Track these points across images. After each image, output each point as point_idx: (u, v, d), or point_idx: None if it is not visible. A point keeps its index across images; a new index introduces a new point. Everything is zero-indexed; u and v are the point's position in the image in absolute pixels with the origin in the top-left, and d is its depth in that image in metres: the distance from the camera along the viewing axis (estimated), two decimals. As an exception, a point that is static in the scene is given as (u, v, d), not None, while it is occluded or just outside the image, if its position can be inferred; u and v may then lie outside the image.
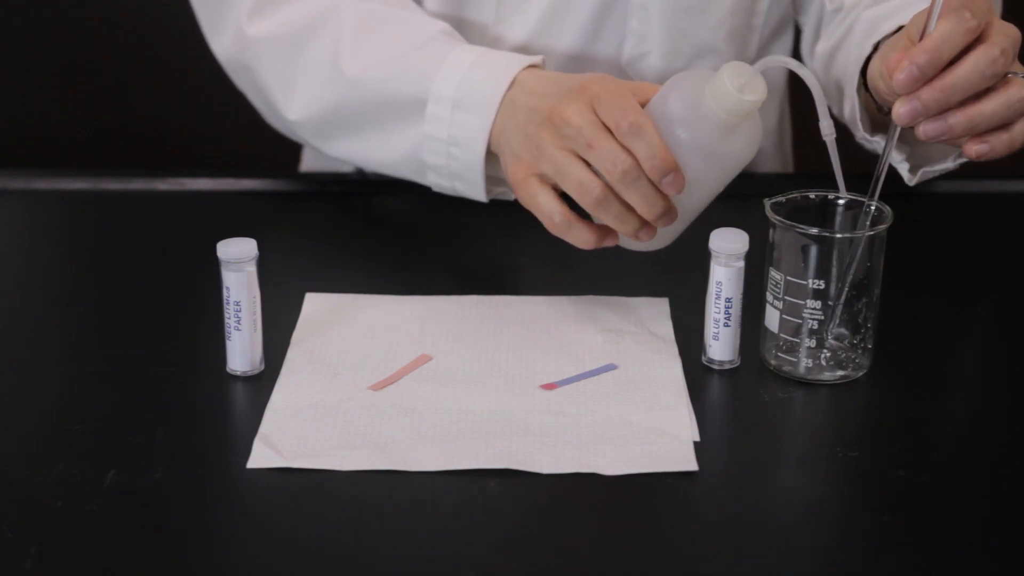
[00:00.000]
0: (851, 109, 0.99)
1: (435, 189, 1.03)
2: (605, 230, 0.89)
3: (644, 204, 0.85)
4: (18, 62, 1.95)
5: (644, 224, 0.87)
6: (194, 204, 1.14)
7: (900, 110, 0.83)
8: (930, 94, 0.82)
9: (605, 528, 0.74)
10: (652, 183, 0.84)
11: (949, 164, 0.97)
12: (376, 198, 1.14)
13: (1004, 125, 0.86)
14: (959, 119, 0.84)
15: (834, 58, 1.07)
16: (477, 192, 0.99)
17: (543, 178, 0.89)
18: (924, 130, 0.84)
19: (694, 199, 0.87)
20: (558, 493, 0.76)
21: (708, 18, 1.11)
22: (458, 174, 0.99)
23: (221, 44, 1.09)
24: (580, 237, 0.88)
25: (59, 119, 1.99)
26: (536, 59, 0.97)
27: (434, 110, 0.97)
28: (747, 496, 0.76)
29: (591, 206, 0.86)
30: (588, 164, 0.86)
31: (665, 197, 0.85)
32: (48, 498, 0.75)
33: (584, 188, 0.86)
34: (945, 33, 0.81)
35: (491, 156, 0.97)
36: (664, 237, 0.91)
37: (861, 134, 1.00)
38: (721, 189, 0.88)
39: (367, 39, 1.01)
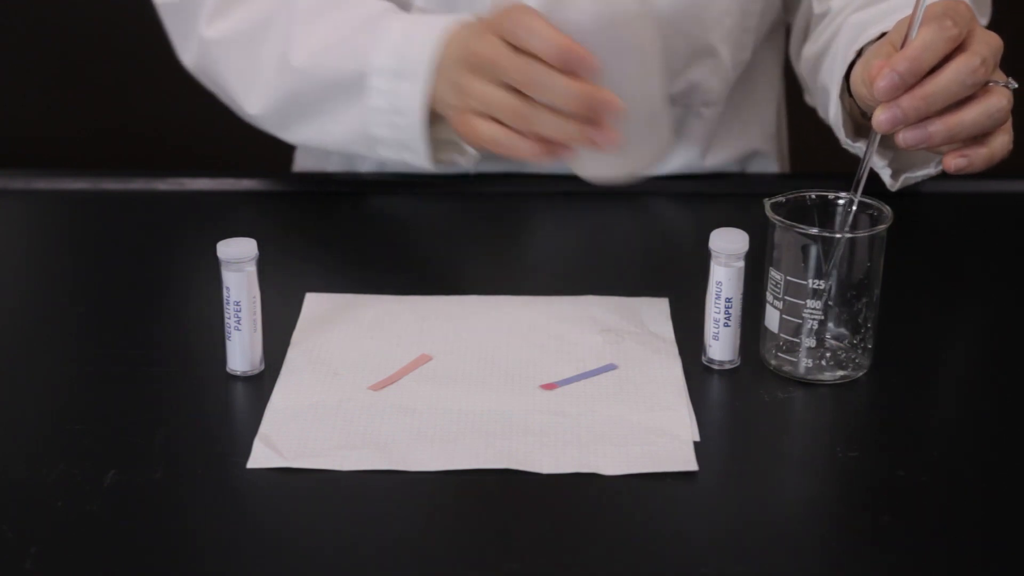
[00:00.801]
0: (835, 114, 0.99)
1: (390, 163, 1.06)
2: (552, 142, 0.90)
3: (572, 101, 0.86)
4: (18, 62, 1.95)
5: (593, 127, 0.87)
6: (194, 204, 1.14)
7: (880, 117, 0.83)
8: (910, 102, 0.82)
9: (605, 528, 0.74)
10: (566, 77, 0.86)
11: (931, 170, 0.96)
12: (376, 198, 1.14)
13: (983, 136, 0.86)
14: (939, 127, 0.84)
15: (821, 61, 1.07)
16: (422, 159, 1.01)
17: (478, 113, 0.91)
18: (904, 138, 0.84)
19: (634, 87, 0.88)
20: (558, 493, 0.76)
21: (703, 19, 1.11)
22: (404, 144, 1.01)
23: (189, 54, 1.12)
24: (528, 149, 0.89)
25: (59, 119, 1.99)
26: (468, 17, 0.98)
27: (374, 82, 1.00)
28: (747, 496, 0.76)
29: (523, 122, 0.88)
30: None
31: (593, 88, 0.86)
32: (48, 498, 0.75)
33: (510, 108, 0.88)
34: (927, 41, 0.81)
35: (441, 121, 0.99)
36: (638, 152, 0.91)
37: (844, 139, 1.00)
38: (653, 71, 0.90)
39: (312, 27, 1.04)
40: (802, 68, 1.12)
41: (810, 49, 1.09)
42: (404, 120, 0.99)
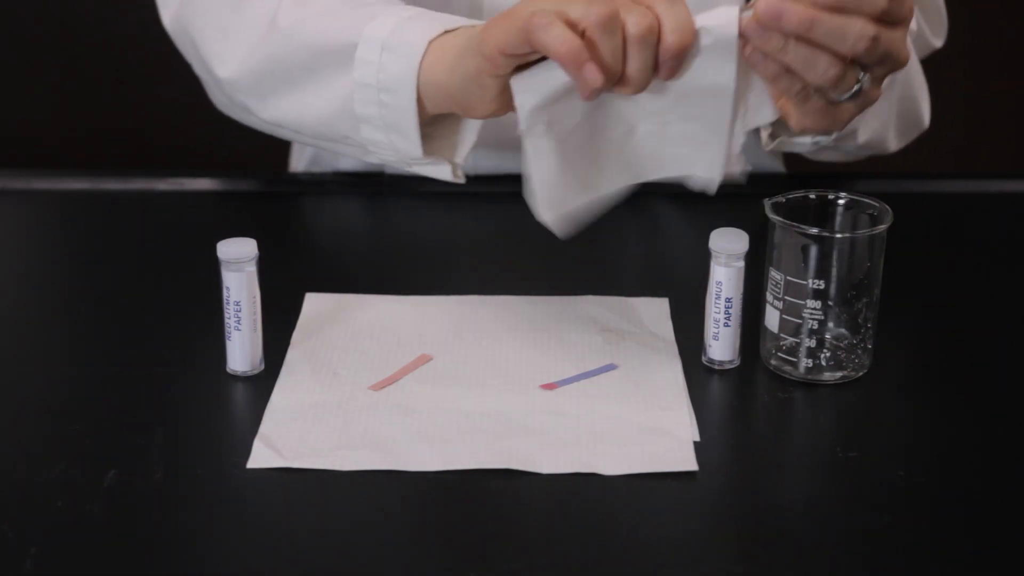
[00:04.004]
0: None
1: (372, 150, 0.97)
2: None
3: (641, 71, 0.80)
4: (18, 62, 1.95)
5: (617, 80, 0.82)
6: (194, 204, 1.14)
7: (762, 5, 0.80)
8: (799, 10, 0.79)
9: (605, 528, 0.74)
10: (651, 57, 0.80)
11: (807, 142, 0.94)
12: (377, 198, 1.14)
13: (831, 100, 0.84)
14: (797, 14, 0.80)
15: None
16: (412, 143, 0.93)
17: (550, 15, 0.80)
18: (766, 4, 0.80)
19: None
20: (558, 493, 0.76)
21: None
22: (393, 125, 0.93)
23: (169, 10, 1.08)
24: (593, 73, 0.80)
25: (59, 119, 1.99)
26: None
27: (363, 53, 0.92)
28: (747, 496, 0.76)
29: (601, 22, 0.79)
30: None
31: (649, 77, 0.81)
32: (48, 498, 0.75)
33: (601, 12, 0.79)
34: None
35: (435, 121, 0.94)
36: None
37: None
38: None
39: (307, 2, 0.98)
40: None
41: None
42: (392, 98, 0.92)
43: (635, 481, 0.77)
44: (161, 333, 0.92)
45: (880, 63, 0.83)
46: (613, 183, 0.87)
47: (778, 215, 0.85)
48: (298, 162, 1.29)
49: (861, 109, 0.85)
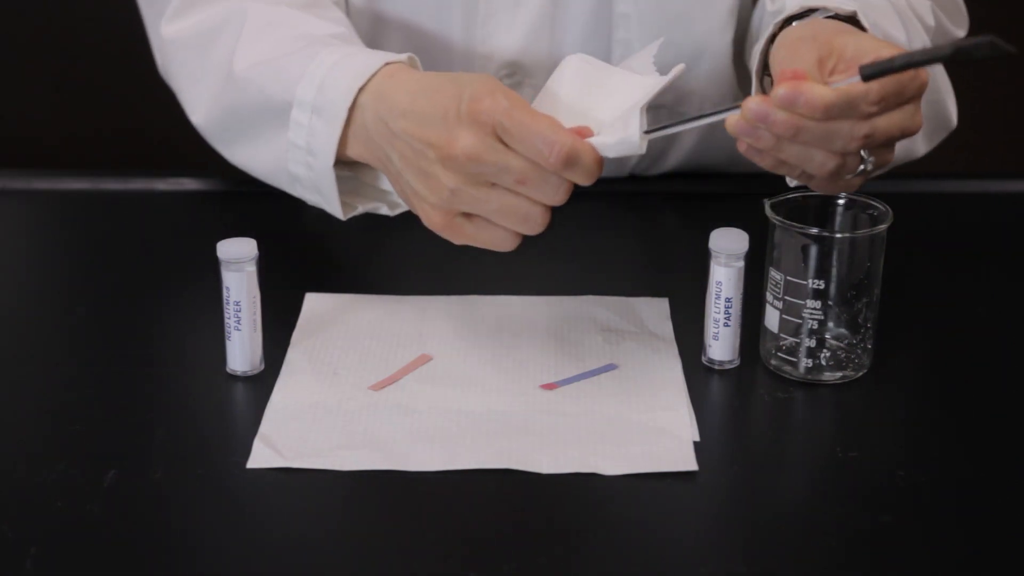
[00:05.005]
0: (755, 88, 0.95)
1: (311, 206, 0.99)
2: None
3: (562, 196, 0.81)
4: (18, 62, 1.95)
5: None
6: (194, 204, 1.14)
7: (752, 106, 0.78)
8: (786, 120, 0.78)
9: (605, 528, 0.74)
10: (559, 176, 0.80)
11: None
12: (376, 198, 1.14)
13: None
14: (787, 146, 0.80)
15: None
16: (333, 207, 0.95)
17: (467, 214, 0.83)
18: (753, 109, 0.79)
19: None
20: (558, 493, 0.76)
21: (694, 30, 1.09)
22: (317, 186, 0.94)
23: (156, 54, 1.10)
24: (513, 244, 0.84)
25: (59, 119, 1.99)
26: (401, 57, 0.91)
27: (296, 115, 0.93)
28: (747, 496, 0.76)
29: (528, 225, 0.82)
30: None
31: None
32: (48, 498, 0.75)
33: (531, 221, 0.81)
34: (837, 104, 0.77)
35: (368, 168, 0.95)
36: None
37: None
38: None
39: (260, 40, 0.99)
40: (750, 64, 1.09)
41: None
42: (316, 161, 0.92)
43: (635, 481, 0.77)
44: (161, 333, 0.92)
45: (883, 146, 0.82)
46: None
47: (778, 215, 0.85)
48: None
49: (874, 172, 0.85)
